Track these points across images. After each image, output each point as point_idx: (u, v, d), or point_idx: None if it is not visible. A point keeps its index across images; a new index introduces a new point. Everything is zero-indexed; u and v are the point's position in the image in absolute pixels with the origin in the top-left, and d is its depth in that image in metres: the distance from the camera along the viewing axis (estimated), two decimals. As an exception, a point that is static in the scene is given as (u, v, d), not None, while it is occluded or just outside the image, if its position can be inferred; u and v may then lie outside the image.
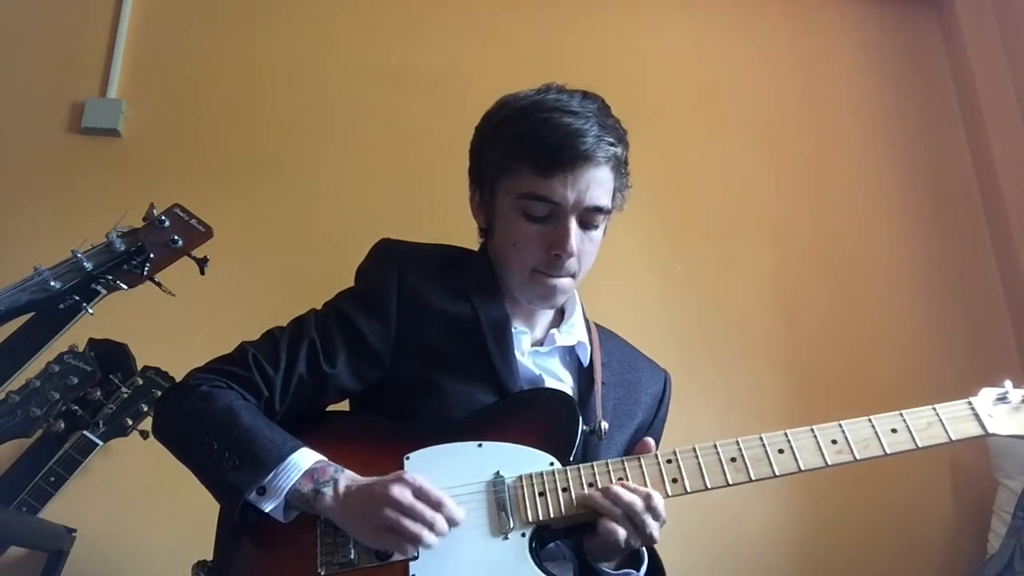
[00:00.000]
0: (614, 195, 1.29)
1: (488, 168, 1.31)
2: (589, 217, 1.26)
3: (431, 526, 1.06)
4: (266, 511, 1.10)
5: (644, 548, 1.19)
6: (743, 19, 2.87)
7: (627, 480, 1.13)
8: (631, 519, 1.09)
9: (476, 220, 1.38)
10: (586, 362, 1.35)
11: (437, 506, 1.07)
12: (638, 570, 1.19)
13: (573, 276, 1.30)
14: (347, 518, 1.09)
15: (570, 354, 1.37)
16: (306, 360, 1.22)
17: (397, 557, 1.09)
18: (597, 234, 1.29)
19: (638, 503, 1.09)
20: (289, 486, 1.10)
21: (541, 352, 1.33)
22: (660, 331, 2.43)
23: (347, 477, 1.12)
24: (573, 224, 1.24)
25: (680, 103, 2.72)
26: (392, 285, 1.27)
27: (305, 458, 1.12)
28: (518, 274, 1.30)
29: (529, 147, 1.23)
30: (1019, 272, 2.56)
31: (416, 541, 1.05)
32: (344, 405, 1.33)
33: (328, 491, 1.10)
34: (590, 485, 1.14)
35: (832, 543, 2.34)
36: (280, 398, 1.21)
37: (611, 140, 1.24)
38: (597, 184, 1.24)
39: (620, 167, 1.29)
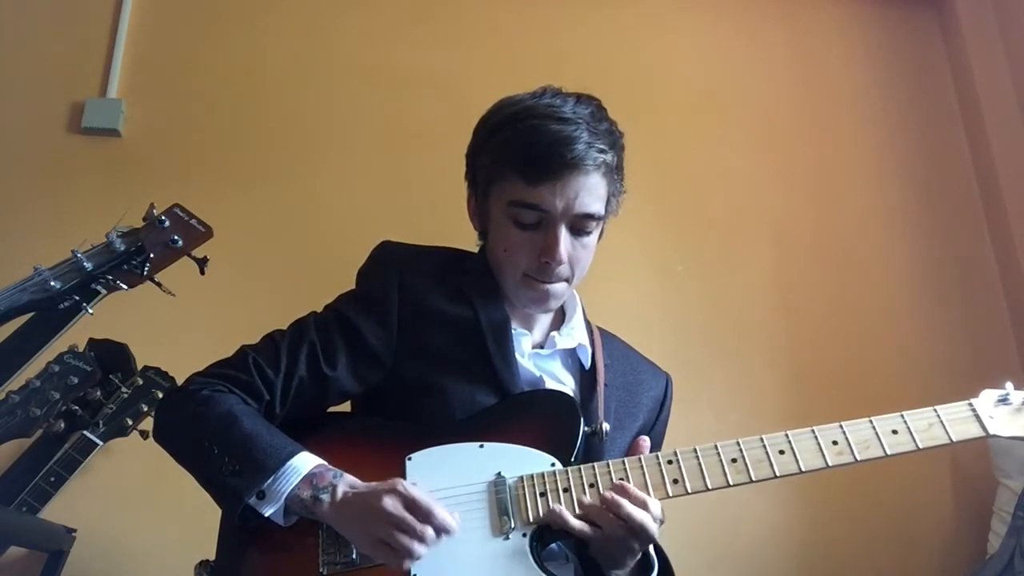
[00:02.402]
0: (608, 201, 1.28)
1: (481, 173, 1.31)
2: (580, 224, 1.25)
3: (421, 538, 1.05)
4: (266, 515, 1.10)
5: (655, 554, 1.19)
6: (743, 19, 2.87)
7: (628, 481, 1.13)
8: (637, 533, 1.09)
9: (472, 224, 1.38)
10: (587, 364, 1.35)
11: (426, 517, 1.06)
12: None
13: (567, 281, 1.29)
14: (344, 526, 1.10)
15: (571, 357, 1.36)
16: (306, 363, 1.22)
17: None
18: (590, 240, 1.28)
19: (646, 518, 1.09)
20: (288, 491, 1.10)
21: (542, 354, 1.33)
22: (660, 331, 2.43)
23: (345, 483, 1.11)
24: (563, 231, 1.24)
25: (680, 103, 2.72)
26: (393, 287, 1.27)
27: (305, 462, 1.12)
28: (510, 279, 1.30)
29: (518, 155, 1.22)
30: (1019, 272, 2.56)
31: (407, 555, 1.05)
32: (346, 407, 1.33)
33: (326, 498, 1.10)
34: (591, 486, 1.13)
35: (832, 543, 2.34)
36: (281, 401, 1.21)
37: (601, 147, 1.23)
38: (587, 191, 1.23)
39: (612, 173, 1.27)
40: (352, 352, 1.24)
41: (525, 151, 1.22)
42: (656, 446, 1.34)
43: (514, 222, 1.25)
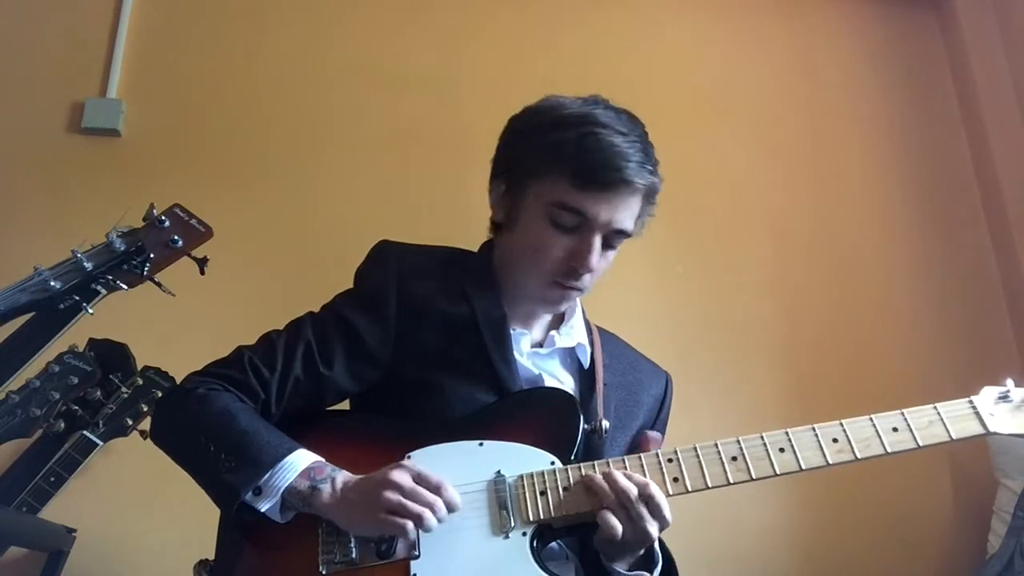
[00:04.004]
0: (638, 220, 1.28)
1: (520, 166, 1.28)
2: (612, 238, 1.25)
3: (431, 507, 1.06)
4: (262, 511, 1.10)
5: (658, 550, 1.19)
6: (743, 19, 2.87)
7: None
8: (624, 507, 1.09)
9: (493, 212, 1.35)
10: (586, 364, 1.35)
11: (437, 489, 1.08)
12: (651, 572, 1.18)
13: (582, 290, 1.30)
14: (346, 511, 1.09)
15: (570, 356, 1.36)
16: (302, 362, 1.22)
17: (399, 555, 1.08)
18: (612, 254, 1.29)
19: (632, 490, 1.09)
20: (285, 485, 1.10)
21: (541, 353, 1.33)
22: (660, 331, 2.43)
23: (344, 475, 1.12)
24: (597, 241, 1.24)
25: (680, 103, 2.72)
26: (391, 286, 1.27)
27: (302, 459, 1.13)
28: (531, 277, 1.28)
29: (573, 158, 1.20)
30: (1019, 272, 2.56)
31: (418, 520, 1.05)
32: (344, 405, 1.33)
33: (326, 487, 1.10)
34: (591, 484, 1.13)
35: (832, 543, 2.34)
36: (276, 400, 1.21)
37: (651, 168, 1.23)
38: (627, 208, 1.23)
39: (650, 196, 1.28)
40: (349, 352, 1.24)
41: (582, 155, 1.20)
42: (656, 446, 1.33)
43: (552, 223, 1.24)
